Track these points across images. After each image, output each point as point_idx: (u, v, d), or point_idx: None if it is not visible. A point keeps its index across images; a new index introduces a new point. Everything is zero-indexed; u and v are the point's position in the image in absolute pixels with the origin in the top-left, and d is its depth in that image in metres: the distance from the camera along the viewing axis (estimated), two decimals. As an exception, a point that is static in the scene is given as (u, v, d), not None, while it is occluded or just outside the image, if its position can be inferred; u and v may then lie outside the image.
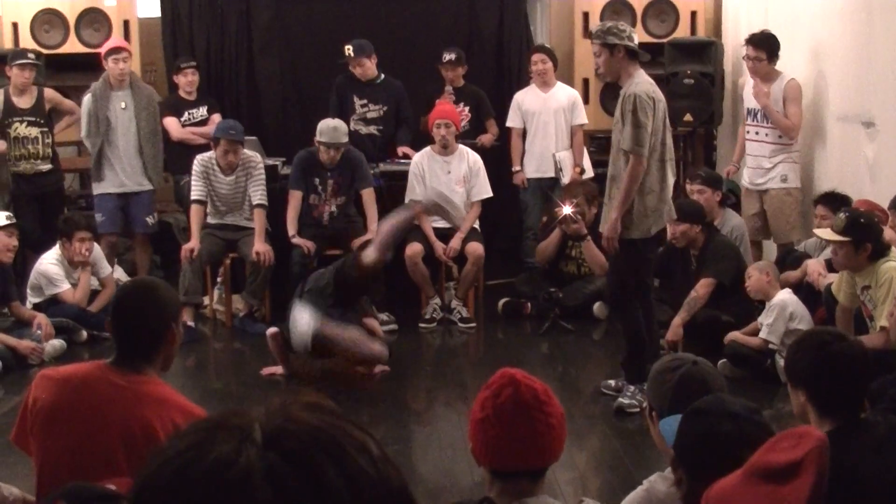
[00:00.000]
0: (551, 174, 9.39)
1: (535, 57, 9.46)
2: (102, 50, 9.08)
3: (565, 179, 9.26)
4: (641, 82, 6.36)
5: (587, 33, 9.98)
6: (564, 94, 9.52)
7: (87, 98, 9.00)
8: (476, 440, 2.87)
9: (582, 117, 9.50)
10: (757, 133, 8.41)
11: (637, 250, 6.43)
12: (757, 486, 2.46)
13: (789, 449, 2.46)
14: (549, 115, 9.40)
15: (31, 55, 9.08)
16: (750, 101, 8.45)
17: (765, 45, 8.22)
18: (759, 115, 8.37)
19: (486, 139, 9.52)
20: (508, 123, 9.58)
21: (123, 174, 9.09)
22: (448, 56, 9.46)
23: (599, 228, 6.65)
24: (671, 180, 6.54)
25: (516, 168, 9.54)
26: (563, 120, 9.41)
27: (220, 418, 1.07)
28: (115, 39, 9.27)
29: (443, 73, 9.52)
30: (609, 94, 10.11)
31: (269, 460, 1.00)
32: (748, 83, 8.50)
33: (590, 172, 9.53)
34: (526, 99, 9.52)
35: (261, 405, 1.09)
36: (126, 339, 3.47)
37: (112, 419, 3.32)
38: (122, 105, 9.02)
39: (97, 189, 9.13)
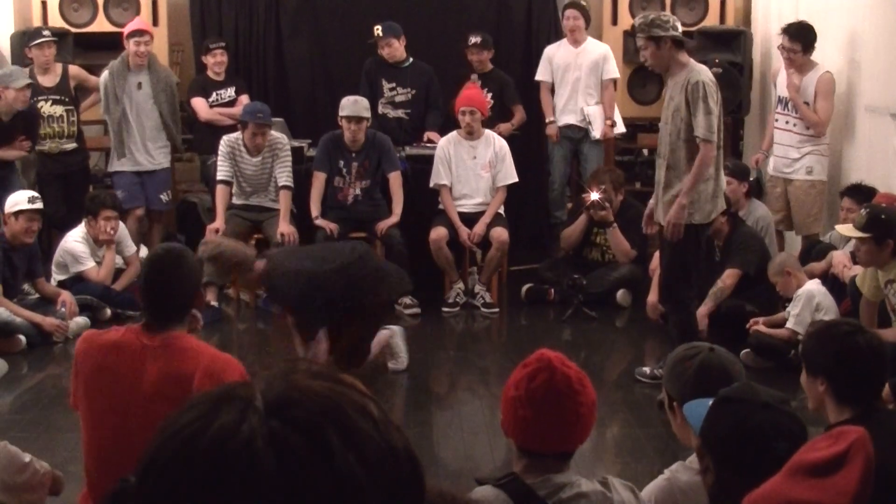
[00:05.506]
0: (578, 123, 9.41)
1: (568, 13, 9.41)
2: (125, 30, 9.07)
3: (595, 134, 9.31)
4: (701, 69, 6.37)
5: (615, 21, 10.01)
6: (596, 48, 9.48)
7: (104, 75, 9.02)
8: (506, 415, 2.89)
9: (613, 72, 9.47)
10: (787, 122, 8.33)
11: (694, 235, 6.41)
12: (802, 481, 2.45)
13: (829, 447, 2.44)
14: (578, 70, 9.38)
15: (46, 32, 9.07)
16: (782, 90, 8.36)
17: (800, 37, 8.10)
18: (789, 105, 8.28)
19: (505, 128, 9.35)
20: (538, 77, 9.56)
21: (138, 153, 9.12)
22: (474, 39, 9.42)
23: (656, 217, 6.58)
24: (722, 165, 6.58)
25: (550, 119, 9.52)
26: (594, 75, 9.39)
27: (224, 390, 1.08)
28: (139, 21, 9.23)
29: (468, 56, 9.48)
30: (637, 82, 10.06)
31: (272, 427, 1.01)
32: (781, 71, 8.40)
33: (621, 127, 9.52)
34: (557, 53, 9.49)
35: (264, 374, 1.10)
36: (158, 305, 3.67)
37: (148, 377, 3.50)
38: (138, 85, 9.03)
39: (114, 167, 9.18)
